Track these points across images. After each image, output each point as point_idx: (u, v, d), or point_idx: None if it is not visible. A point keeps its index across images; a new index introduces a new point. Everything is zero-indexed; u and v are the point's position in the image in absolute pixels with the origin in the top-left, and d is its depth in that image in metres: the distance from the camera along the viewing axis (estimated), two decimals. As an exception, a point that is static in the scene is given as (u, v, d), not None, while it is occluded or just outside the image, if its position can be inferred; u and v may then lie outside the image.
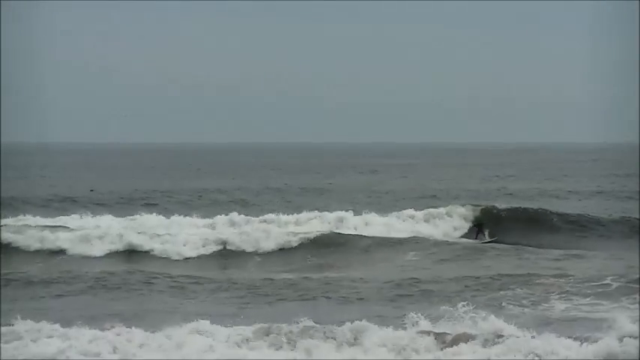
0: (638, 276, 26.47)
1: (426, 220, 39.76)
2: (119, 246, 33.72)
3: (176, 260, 33.05)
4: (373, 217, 39.24)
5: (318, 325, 18.55)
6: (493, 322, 18.61)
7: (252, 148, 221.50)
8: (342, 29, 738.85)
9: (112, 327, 18.61)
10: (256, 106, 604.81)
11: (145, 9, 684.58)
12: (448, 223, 39.59)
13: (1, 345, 18.00)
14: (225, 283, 27.06)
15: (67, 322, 19.05)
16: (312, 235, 35.01)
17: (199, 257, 33.48)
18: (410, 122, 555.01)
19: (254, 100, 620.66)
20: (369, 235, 36.31)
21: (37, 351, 17.79)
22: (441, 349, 17.85)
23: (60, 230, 34.96)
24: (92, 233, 34.46)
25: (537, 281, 25.86)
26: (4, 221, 36.31)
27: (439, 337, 18.09)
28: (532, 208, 42.21)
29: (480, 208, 40.83)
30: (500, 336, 18.11)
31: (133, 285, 26.47)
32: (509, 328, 18.42)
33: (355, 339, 18.25)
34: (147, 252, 33.61)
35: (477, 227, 38.70)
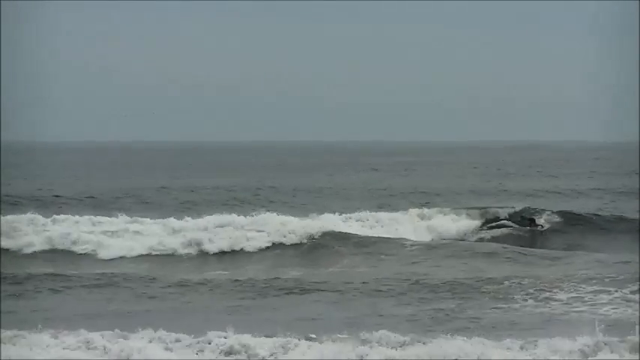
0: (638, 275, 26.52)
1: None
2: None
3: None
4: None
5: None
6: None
7: (252, 147, 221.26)
8: (342, 29, 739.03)
9: None
10: (256, 106, 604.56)
11: (145, 9, 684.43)
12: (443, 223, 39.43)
13: (1, 345, 17.97)
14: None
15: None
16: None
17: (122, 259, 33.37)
18: (411, 121, 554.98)
19: (254, 100, 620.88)
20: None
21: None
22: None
23: None
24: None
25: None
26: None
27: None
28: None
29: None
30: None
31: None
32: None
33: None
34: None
35: (530, 220, 38.73)
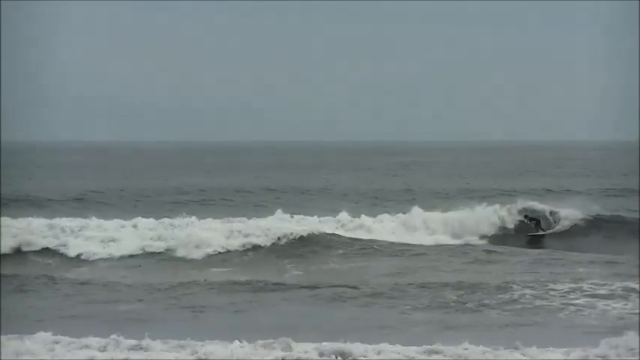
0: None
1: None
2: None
3: None
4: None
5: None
6: None
7: (253, 147, 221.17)
8: (342, 29, 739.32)
9: None
10: (256, 106, 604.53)
11: (145, 9, 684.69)
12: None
13: (1, 345, 17.98)
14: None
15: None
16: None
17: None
18: (412, 121, 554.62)
19: (254, 100, 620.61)
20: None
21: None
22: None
23: None
24: None
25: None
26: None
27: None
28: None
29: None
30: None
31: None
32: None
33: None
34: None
35: (533, 220, 38.34)
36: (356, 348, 18.04)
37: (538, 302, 23.90)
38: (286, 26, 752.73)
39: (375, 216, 39.71)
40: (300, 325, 21.51)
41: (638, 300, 23.74)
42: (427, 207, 41.19)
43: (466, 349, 18.07)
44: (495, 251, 33.62)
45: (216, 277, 29.23)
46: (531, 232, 38.10)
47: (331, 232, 36.18)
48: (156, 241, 34.37)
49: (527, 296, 24.42)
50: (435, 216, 39.39)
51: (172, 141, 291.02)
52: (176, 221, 36.61)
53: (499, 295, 24.58)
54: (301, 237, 34.65)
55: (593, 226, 39.95)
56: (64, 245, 33.83)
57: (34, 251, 33.79)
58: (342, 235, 35.98)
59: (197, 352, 17.92)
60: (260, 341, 18.33)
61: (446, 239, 36.92)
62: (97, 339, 18.60)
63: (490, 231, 38.37)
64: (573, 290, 24.96)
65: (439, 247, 34.62)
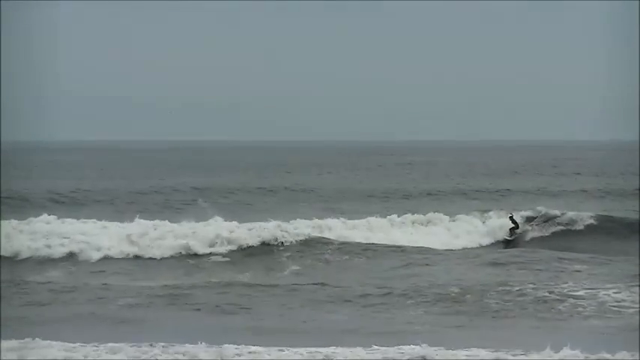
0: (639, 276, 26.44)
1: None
2: None
3: None
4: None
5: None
6: None
7: (253, 147, 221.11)
8: (342, 28, 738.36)
9: None
10: (256, 106, 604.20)
11: (147, 9, 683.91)
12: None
13: (1, 345, 18.02)
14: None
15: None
16: None
17: None
18: (413, 121, 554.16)
19: (255, 100, 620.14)
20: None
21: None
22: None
23: None
24: None
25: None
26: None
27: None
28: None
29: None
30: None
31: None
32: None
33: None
34: None
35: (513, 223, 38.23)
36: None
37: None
38: (288, 25, 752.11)
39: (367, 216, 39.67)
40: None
41: (638, 300, 23.75)
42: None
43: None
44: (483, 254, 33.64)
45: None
46: (506, 235, 38.03)
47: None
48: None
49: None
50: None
51: (169, 140, 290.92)
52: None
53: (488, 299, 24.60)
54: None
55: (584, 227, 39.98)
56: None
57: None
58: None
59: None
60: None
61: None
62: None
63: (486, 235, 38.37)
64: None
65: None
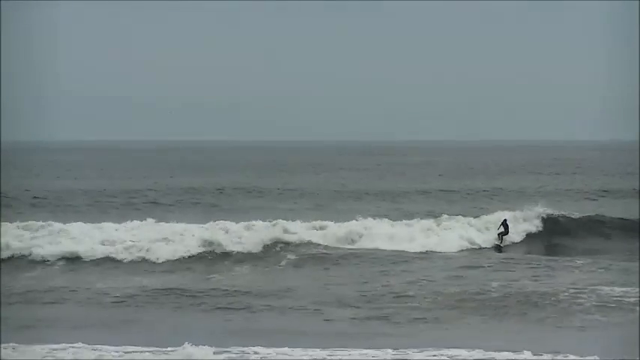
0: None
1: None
2: None
3: None
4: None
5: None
6: None
7: (253, 147, 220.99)
8: (342, 27, 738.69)
9: None
10: (256, 106, 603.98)
11: (147, 9, 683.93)
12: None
13: (1, 345, 18.12)
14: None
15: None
16: None
17: None
18: (410, 121, 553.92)
19: (255, 100, 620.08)
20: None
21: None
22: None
23: None
24: None
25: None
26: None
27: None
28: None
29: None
30: None
31: None
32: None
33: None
34: None
35: (503, 226, 37.56)
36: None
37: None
38: (289, 24, 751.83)
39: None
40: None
41: (638, 300, 23.76)
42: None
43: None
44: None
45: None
46: (495, 240, 37.54)
47: None
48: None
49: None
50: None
51: (170, 140, 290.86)
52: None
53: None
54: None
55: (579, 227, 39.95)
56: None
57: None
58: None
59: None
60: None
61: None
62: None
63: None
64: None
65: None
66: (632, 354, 18.23)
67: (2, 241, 33.69)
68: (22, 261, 32.65)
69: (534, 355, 18.38)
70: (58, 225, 35.47)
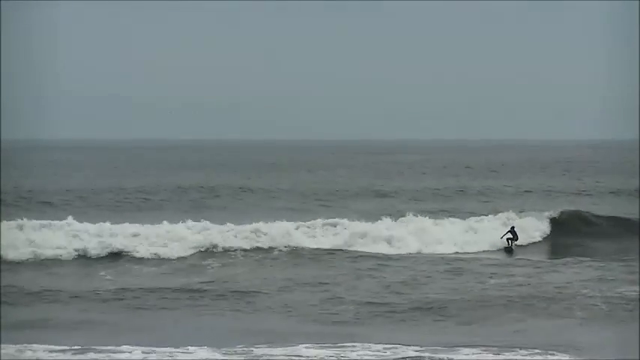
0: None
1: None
2: None
3: None
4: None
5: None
6: None
7: (253, 147, 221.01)
8: (343, 27, 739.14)
9: None
10: (257, 106, 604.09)
11: (147, 9, 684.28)
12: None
13: (1, 345, 18.19)
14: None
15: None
16: None
17: None
18: (409, 122, 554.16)
19: (255, 100, 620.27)
20: None
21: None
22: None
23: None
24: None
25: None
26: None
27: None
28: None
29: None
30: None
31: None
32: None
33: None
34: None
35: (511, 233, 37.39)
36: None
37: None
38: (290, 25, 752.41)
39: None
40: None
41: (638, 301, 23.77)
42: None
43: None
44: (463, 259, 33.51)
45: None
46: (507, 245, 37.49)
47: None
48: None
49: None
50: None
51: (170, 140, 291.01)
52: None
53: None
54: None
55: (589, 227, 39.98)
56: None
57: None
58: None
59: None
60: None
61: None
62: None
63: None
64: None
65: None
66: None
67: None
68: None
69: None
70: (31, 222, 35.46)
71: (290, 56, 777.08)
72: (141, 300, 25.74)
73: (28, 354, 18.65)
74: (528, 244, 37.71)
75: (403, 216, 39.07)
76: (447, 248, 36.18)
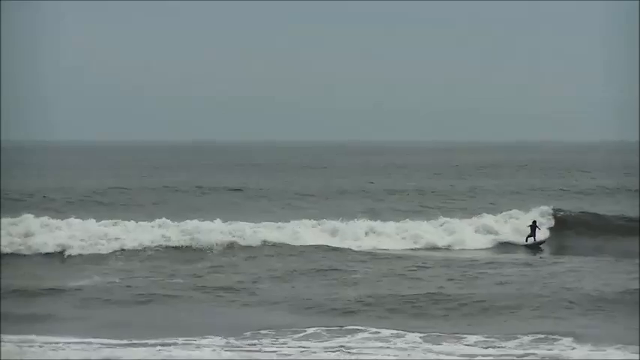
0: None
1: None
2: None
3: None
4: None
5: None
6: None
7: (252, 147, 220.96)
8: (345, 29, 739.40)
9: None
10: (257, 106, 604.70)
11: (147, 9, 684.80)
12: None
13: (1, 345, 18.18)
14: None
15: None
16: None
17: None
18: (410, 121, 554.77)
19: (255, 100, 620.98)
20: None
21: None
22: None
23: None
24: None
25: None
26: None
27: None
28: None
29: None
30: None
31: None
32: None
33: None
34: None
35: (532, 228, 37.53)
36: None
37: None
38: (291, 26, 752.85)
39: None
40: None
41: (639, 301, 23.83)
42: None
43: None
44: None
45: None
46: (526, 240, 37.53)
47: None
48: None
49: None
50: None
51: (169, 140, 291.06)
52: None
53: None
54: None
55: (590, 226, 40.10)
56: None
57: None
58: None
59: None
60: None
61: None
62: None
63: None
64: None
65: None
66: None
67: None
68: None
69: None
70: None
71: (290, 56, 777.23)
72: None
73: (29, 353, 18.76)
74: (530, 242, 37.76)
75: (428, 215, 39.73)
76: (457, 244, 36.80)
